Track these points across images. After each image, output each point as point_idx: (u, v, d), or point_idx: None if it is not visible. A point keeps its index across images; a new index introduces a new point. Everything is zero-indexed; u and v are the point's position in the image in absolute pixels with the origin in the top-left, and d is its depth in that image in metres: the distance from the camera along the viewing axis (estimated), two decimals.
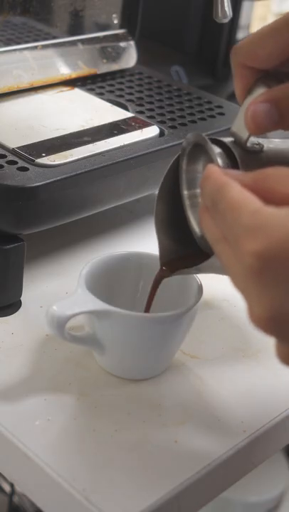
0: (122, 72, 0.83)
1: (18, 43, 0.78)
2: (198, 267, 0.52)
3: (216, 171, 0.45)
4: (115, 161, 0.64)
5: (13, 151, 0.63)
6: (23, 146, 0.64)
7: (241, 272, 0.41)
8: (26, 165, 0.61)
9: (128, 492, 0.49)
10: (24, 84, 0.74)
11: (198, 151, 0.53)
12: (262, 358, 0.62)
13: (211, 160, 0.50)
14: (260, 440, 0.55)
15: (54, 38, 0.81)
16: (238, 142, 0.51)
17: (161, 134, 0.70)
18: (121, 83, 0.81)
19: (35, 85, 0.75)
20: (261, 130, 0.48)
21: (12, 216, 0.59)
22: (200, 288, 0.57)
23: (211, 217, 0.44)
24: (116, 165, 0.64)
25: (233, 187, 0.43)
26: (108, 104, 0.75)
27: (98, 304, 0.54)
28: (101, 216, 0.70)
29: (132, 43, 0.84)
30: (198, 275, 0.59)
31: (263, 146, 0.51)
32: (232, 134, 0.51)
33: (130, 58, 0.84)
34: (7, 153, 0.63)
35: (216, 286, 0.69)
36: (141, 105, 0.76)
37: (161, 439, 0.53)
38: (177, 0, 1.07)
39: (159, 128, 0.71)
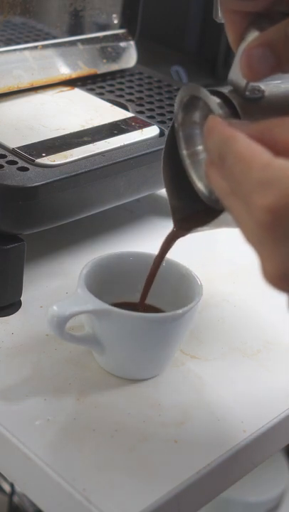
0: (122, 72, 0.83)
1: (18, 43, 0.78)
2: (210, 224, 0.50)
3: (219, 123, 0.43)
4: (115, 161, 0.64)
5: (13, 151, 0.63)
6: (23, 146, 0.64)
7: (253, 227, 0.40)
8: (26, 165, 0.61)
9: (128, 492, 0.49)
10: (24, 84, 0.74)
11: (194, 105, 0.51)
12: (262, 358, 0.62)
13: (210, 112, 0.47)
14: (260, 440, 0.55)
15: (54, 38, 0.81)
16: (237, 91, 0.48)
17: (161, 134, 0.70)
18: (121, 83, 0.81)
19: (35, 85, 0.75)
20: (258, 76, 0.46)
21: (12, 216, 0.59)
22: (200, 288, 0.57)
23: (218, 172, 0.43)
24: (116, 165, 0.64)
25: (240, 139, 0.41)
26: (108, 104, 0.75)
27: (98, 304, 0.54)
28: (101, 216, 0.70)
29: (132, 43, 0.84)
30: (198, 276, 0.59)
31: (263, 91, 0.48)
32: (230, 83, 0.49)
33: (130, 58, 0.84)
34: (7, 153, 0.63)
35: (216, 286, 0.69)
36: (141, 105, 0.76)
37: (161, 439, 0.53)
38: (177, 0, 1.07)
39: (159, 128, 0.71)
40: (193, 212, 0.53)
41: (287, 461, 1.18)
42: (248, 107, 0.47)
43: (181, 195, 0.54)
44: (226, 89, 0.48)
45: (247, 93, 0.48)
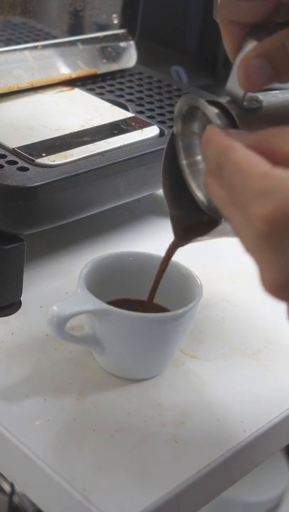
0: (122, 72, 0.83)
1: (18, 43, 0.78)
2: (210, 234, 0.51)
3: (218, 132, 0.43)
4: (115, 161, 0.64)
5: (13, 151, 0.63)
6: (23, 146, 0.64)
7: (251, 236, 0.40)
8: (26, 165, 0.61)
9: (128, 492, 0.49)
10: (24, 84, 0.74)
11: (192, 115, 0.51)
12: (262, 358, 0.62)
13: (208, 122, 0.48)
14: (260, 440, 0.55)
15: (54, 38, 0.81)
16: (235, 101, 0.48)
17: (161, 134, 0.70)
18: (121, 83, 0.81)
19: (35, 85, 0.75)
20: (255, 86, 0.46)
21: (12, 216, 0.59)
22: (200, 288, 0.57)
23: (216, 181, 0.43)
24: (116, 165, 0.64)
25: (238, 149, 0.41)
26: (108, 104, 0.75)
27: (98, 304, 0.54)
28: (101, 216, 0.70)
29: (132, 43, 0.84)
30: (198, 276, 0.59)
31: (261, 101, 0.48)
32: (228, 93, 0.49)
33: (130, 58, 0.84)
34: (7, 153, 0.63)
35: (216, 286, 0.69)
36: (141, 105, 0.76)
37: (161, 439, 0.53)
38: (177, 0, 1.07)
39: (159, 128, 0.71)
40: (193, 221, 0.54)
41: (287, 461, 1.18)
42: (246, 117, 0.48)
43: (180, 204, 0.54)
44: (224, 100, 0.49)
45: (245, 103, 0.48)
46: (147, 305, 0.58)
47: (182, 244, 0.55)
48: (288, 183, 0.39)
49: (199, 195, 0.52)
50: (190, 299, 0.57)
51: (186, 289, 0.59)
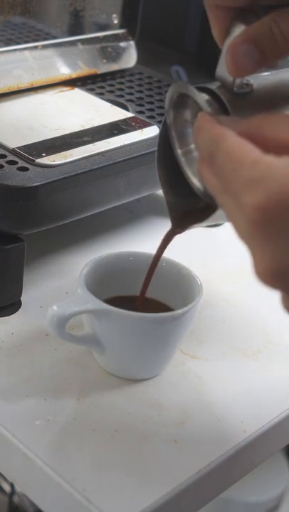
0: (122, 72, 0.83)
1: (18, 43, 0.78)
2: (207, 220, 0.50)
3: (208, 120, 0.43)
4: (115, 161, 0.64)
5: (13, 151, 0.63)
6: (23, 146, 0.64)
7: (244, 224, 0.40)
8: (26, 165, 0.61)
9: (128, 492, 0.49)
10: (24, 84, 0.74)
11: (183, 103, 0.50)
12: (262, 358, 0.62)
13: (199, 109, 0.47)
14: (260, 440, 0.55)
15: (54, 38, 0.81)
16: (225, 86, 0.48)
17: None
18: (121, 83, 0.81)
19: (35, 85, 0.75)
20: (244, 72, 0.46)
21: (12, 216, 0.59)
22: (200, 288, 0.57)
23: (209, 170, 0.43)
24: (116, 165, 0.64)
25: (229, 137, 0.41)
26: (108, 104, 0.75)
27: (98, 304, 0.54)
28: (101, 216, 0.70)
29: (132, 43, 0.84)
30: (198, 276, 0.59)
31: (252, 85, 0.48)
32: (218, 78, 0.48)
33: (130, 58, 0.84)
34: (7, 153, 0.63)
35: (216, 286, 0.69)
36: (141, 105, 0.76)
37: (161, 439, 0.53)
38: (177, 0, 1.07)
39: (159, 128, 0.71)
40: (190, 208, 0.53)
41: (287, 461, 1.18)
42: (237, 103, 0.47)
43: (176, 191, 0.54)
44: (214, 85, 0.48)
45: (235, 88, 0.47)
46: (141, 295, 0.58)
47: (179, 232, 0.55)
48: (279, 170, 0.39)
49: (195, 181, 0.52)
50: (190, 299, 0.57)
51: (186, 289, 0.59)
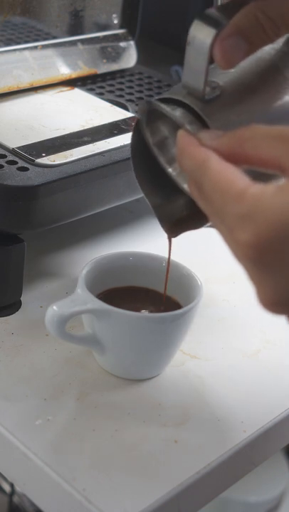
0: (122, 72, 0.83)
1: (18, 43, 0.78)
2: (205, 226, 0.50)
3: (189, 144, 0.43)
4: (115, 161, 0.64)
5: (13, 151, 0.63)
6: (23, 146, 0.64)
7: (240, 257, 0.40)
8: (26, 165, 0.61)
9: (128, 492, 0.49)
10: (24, 84, 0.74)
11: (154, 117, 0.49)
12: (262, 358, 0.62)
13: (174, 122, 0.46)
14: (260, 440, 0.55)
15: (54, 38, 0.81)
16: (194, 94, 0.47)
17: None
18: (121, 83, 0.81)
19: (35, 85, 0.75)
20: (232, 64, 0.46)
21: (12, 216, 0.59)
22: (200, 288, 0.57)
23: (199, 195, 0.43)
24: (116, 165, 0.64)
25: (213, 163, 0.41)
26: (108, 104, 0.75)
27: (98, 304, 0.54)
28: (101, 216, 0.70)
29: (132, 43, 0.84)
30: (198, 276, 0.59)
31: (220, 86, 0.47)
32: (185, 87, 0.47)
33: (130, 58, 0.84)
34: (7, 153, 0.63)
35: (216, 286, 0.69)
36: None
37: (161, 439, 0.53)
38: (177, 0, 1.07)
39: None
40: (181, 217, 0.53)
41: (287, 461, 1.18)
42: (209, 109, 0.46)
43: (161, 193, 0.53)
44: (180, 95, 0.47)
45: (206, 96, 0.46)
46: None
47: (174, 237, 0.55)
48: (265, 203, 0.39)
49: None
50: (190, 299, 0.57)
51: (186, 289, 0.59)
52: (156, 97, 0.48)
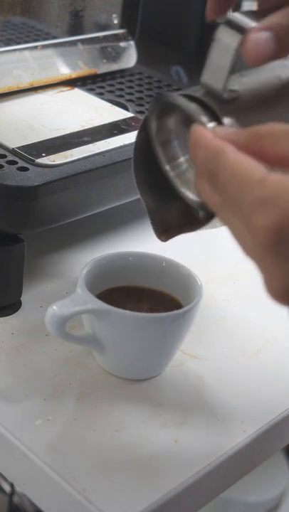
0: (122, 72, 0.83)
1: (18, 43, 0.78)
2: (202, 229, 0.50)
3: (205, 134, 0.42)
4: (115, 161, 0.64)
5: (13, 151, 0.63)
6: (23, 146, 0.64)
7: (253, 245, 0.39)
8: (26, 165, 0.61)
9: (128, 492, 0.49)
10: (24, 84, 0.74)
11: (164, 114, 0.49)
12: (262, 358, 0.62)
13: (185, 120, 0.46)
14: (260, 440, 0.55)
15: (54, 38, 0.81)
16: (212, 93, 0.46)
17: None
18: (121, 83, 0.81)
19: (35, 85, 0.75)
20: (259, 61, 0.45)
21: (12, 216, 0.59)
22: (200, 288, 0.57)
23: (210, 187, 0.41)
24: (116, 165, 0.64)
25: (230, 153, 0.40)
26: (108, 104, 0.75)
27: (98, 304, 0.54)
28: (101, 216, 0.70)
29: (132, 43, 0.84)
30: (198, 276, 0.59)
31: (238, 90, 0.47)
32: (204, 86, 0.47)
33: (130, 58, 0.84)
34: (7, 153, 0.63)
35: (216, 286, 0.69)
36: (141, 105, 0.76)
37: (161, 439, 0.53)
38: (177, 0, 1.07)
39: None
40: (174, 224, 0.53)
41: (287, 461, 1.18)
42: (226, 109, 0.46)
43: (158, 196, 0.53)
44: (198, 93, 0.47)
45: (225, 95, 0.46)
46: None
47: (167, 240, 0.54)
48: (288, 188, 0.38)
49: (190, 195, 0.50)
50: (190, 299, 0.57)
51: (186, 289, 0.59)
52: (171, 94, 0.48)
